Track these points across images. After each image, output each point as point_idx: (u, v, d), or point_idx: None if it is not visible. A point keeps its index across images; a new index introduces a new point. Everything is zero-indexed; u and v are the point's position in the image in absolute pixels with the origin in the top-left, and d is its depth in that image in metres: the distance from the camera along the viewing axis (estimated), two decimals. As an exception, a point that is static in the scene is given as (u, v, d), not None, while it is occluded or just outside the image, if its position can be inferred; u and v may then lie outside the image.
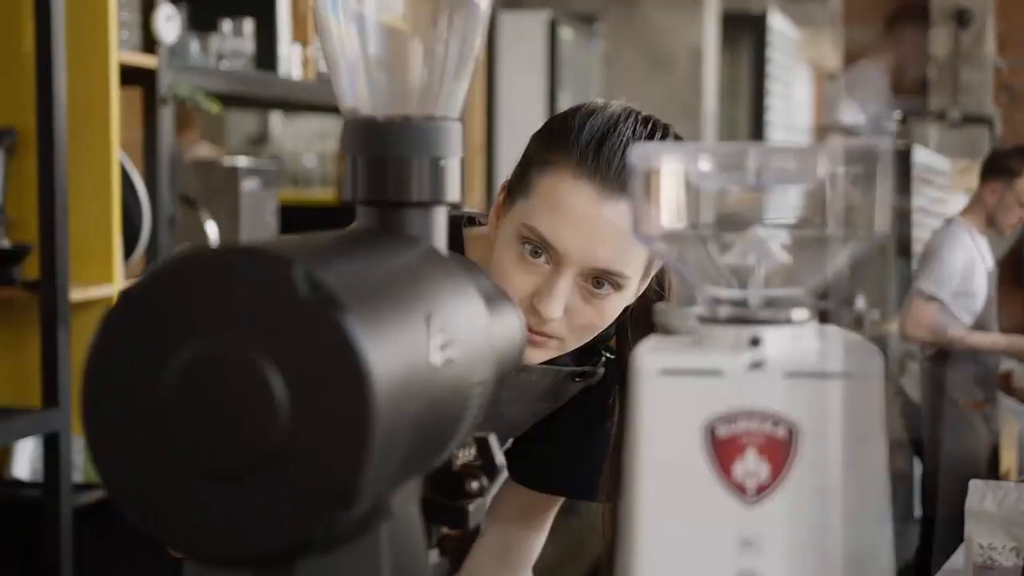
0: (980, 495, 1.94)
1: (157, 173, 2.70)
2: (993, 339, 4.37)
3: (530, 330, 1.28)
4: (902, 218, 7.04)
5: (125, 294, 0.62)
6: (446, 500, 0.87)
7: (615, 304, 1.29)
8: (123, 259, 2.58)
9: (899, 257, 6.84)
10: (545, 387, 1.44)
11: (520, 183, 1.30)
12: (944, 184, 7.85)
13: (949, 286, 4.22)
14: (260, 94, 3.18)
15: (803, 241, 0.70)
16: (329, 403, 0.60)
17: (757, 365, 0.67)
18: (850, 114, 4.23)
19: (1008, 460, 6.53)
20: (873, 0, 9.90)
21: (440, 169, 0.79)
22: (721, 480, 0.67)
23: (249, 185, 3.11)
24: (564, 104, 5.89)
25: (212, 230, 2.97)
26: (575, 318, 1.28)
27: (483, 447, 0.87)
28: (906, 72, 4.46)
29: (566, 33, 5.07)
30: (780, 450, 0.67)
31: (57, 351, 2.32)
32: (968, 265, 4.25)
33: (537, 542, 1.57)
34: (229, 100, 3.29)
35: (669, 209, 0.71)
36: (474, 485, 0.87)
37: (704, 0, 5.49)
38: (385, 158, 0.78)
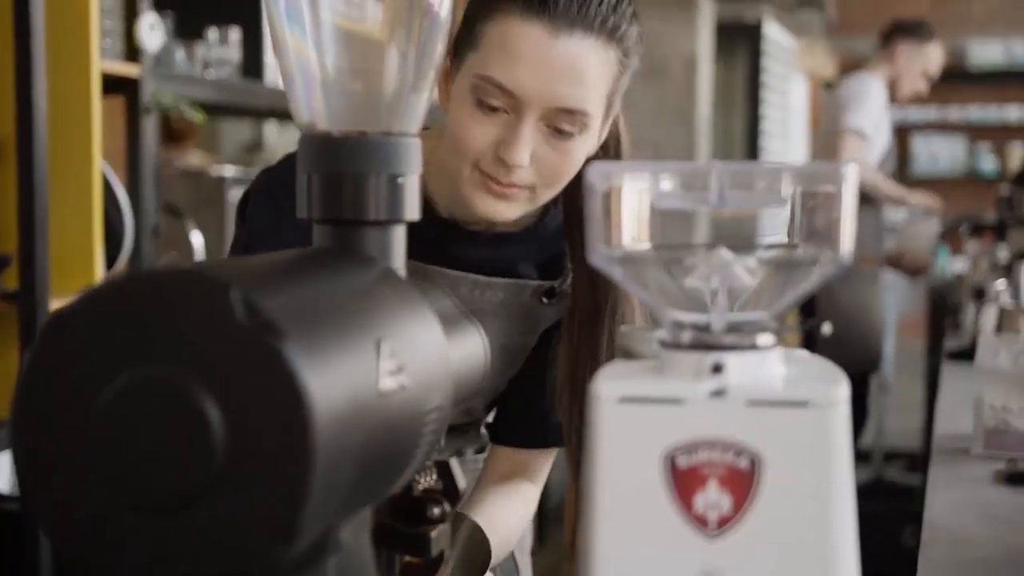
0: (992, 350, 1.77)
1: (140, 182, 2.67)
2: (901, 192, 4.45)
3: (498, 183, 1.26)
4: (752, 92, 7.14)
5: (57, 317, 0.60)
6: (407, 527, 0.84)
7: (580, 147, 1.27)
8: (105, 269, 2.55)
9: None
10: (513, 309, 1.40)
11: (466, 39, 1.27)
12: (788, 61, 7.92)
13: (870, 124, 4.26)
14: (246, 103, 3.16)
15: (768, 264, 0.68)
16: (267, 433, 0.57)
17: (719, 393, 0.65)
18: (857, 117, 4.23)
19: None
20: (868, 10, 9.91)
21: (398, 186, 0.77)
22: (682, 512, 0.65)
23: (236, 195, 3.09)
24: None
25: (197, 240, 2.94)
26: (542, 164, 1.26)
27: (444, 471, 0.85)
28: (903, 85, 4.46)
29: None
30: (742, 481, 0.64)
31: (36, 363, 2.29)
32: (881, 114, 4.30)
33: (535, 493, 1.49)
34: (215, 109, 3.26)
35: (629, 230, 0.68)
36: (436, 511, 0.84)
37: (698, 9, 5.47)
38: (341, 175, 0.76)
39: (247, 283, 0.59)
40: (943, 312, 4.61)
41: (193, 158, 4.57)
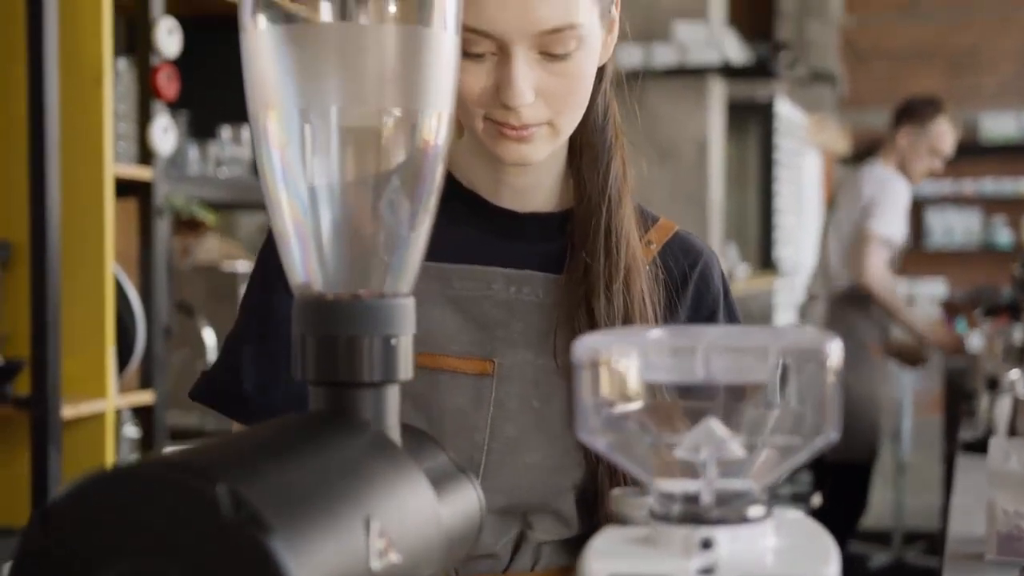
0: (1003, 454, 1.74)
1: (153, 283, 2.69)
2: (922, 325, 4.37)
3: (513, 128, 1.17)
4: (765, 169, 7.13)
5: (44, 511, 0.60)
6: None
7: (584, 62, 1.18)
8: (117, 372, 2.56)
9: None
10: (556, 316, 1.25)
11: None
12: (801, 137, 7.94)
13: (898, 231, 4.22)
14: (258, 200, 3.19)
15: (758, 435, 0.68)
16: (254, 628, 0.57)
17: (708, 571, 0.65)
18: (885, 223, 4.21)
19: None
20: (880, 84, 9.96)
21: (392, 348, 0.77)
22: None
23: (249, 289, 3.09)
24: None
25: (210, 337, 2.95)
26: (549, 95, 1.17)
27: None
28: (914, 167, 4.44)
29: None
30: (733, 661, 0.64)
31: (48, 470, 2.30)
32: (904, 214, 4.26)
33: None
34: (229, 205, 3.30)
35: (616, 401, 0.69)
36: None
37: (709, 91, 5.50)
38: (335, 337, 0.77)
39: (233, 473, 0.59)
40: (959, 394, 4.58)
41: (210, 243, 4.60)
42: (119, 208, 2.60)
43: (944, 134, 4.40)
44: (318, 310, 0.77)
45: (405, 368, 0.78)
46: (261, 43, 0.76)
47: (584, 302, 1.24)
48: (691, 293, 1.32)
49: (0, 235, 2.44)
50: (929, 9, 9.80)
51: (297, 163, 0.78)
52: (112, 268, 2.50)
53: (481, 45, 1.15)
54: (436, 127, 0.79)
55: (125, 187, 2.63)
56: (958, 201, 9.95)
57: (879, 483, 6.93)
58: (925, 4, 9.83)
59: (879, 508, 6.39)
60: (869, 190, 4.32)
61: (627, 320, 1.23)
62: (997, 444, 1.91)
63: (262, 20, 0.76)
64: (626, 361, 0.68)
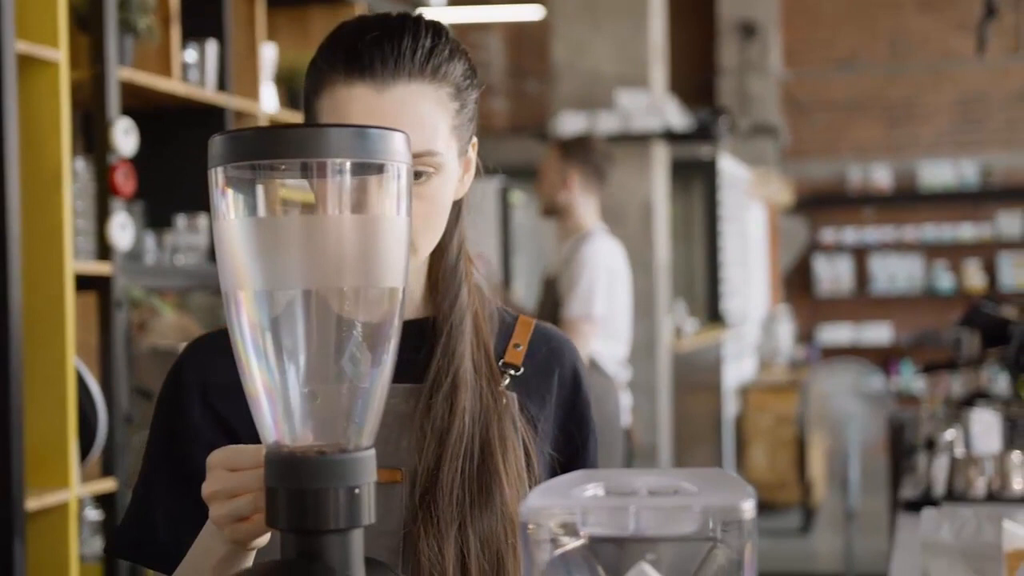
0: (935, 524, 1.83)
1: (113, 374, 2.75)
2: None
3: None
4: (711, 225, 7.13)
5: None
6: None
7: (441, 188, 1.26)
8: (79, 463, 2.62)
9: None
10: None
11: (308, 120, 1.28)
12: (745, 190, 8.12)
13: None
14: (213, 285, 3.26)
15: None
16: None
17: None
18: None
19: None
20: (822, 135, 10.18)
21: (356, 497, 0.86)
22: None
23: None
24: (519, 266, 6.02)
25: (169, 421, 3.00)
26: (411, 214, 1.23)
27: None
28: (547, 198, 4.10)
29: (516, 197, 5.18)
30: None
31: (13, 564, 2.35)
32: None
33: None
34: (186, 291, 3.37)
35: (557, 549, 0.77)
36: None
37: (652, 156, 5.63)
38: (304, 490, 0.85)
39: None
40: (901, 445, 4.68)
41: (167, 319, 4.64)
42: (79, 302, 2.66)
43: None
44: (287, 466, 0.86)
45: (368, 513, 0.87)
46: (231, 231, 0.85)
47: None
48: (559, 387, 1.38)
49: (-37, 332, 2.50)
50: (865, 63, 10.03)
51: (266, 335, 0.86)
52: (73, 361, 2.57)
53: None
54: (392, 297, 0.89)
55: (85, 281, 2.69)
56: (900, 248, 10.16)
57: (829, 529, 7.05)
58: (861, 57, 10.06)
59: (830, 554, 6.50)
60: None
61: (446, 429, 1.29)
62: (929, 515, 2.00)
63: (231, 212, 0.85)
64: (567, 518, 0.77)
